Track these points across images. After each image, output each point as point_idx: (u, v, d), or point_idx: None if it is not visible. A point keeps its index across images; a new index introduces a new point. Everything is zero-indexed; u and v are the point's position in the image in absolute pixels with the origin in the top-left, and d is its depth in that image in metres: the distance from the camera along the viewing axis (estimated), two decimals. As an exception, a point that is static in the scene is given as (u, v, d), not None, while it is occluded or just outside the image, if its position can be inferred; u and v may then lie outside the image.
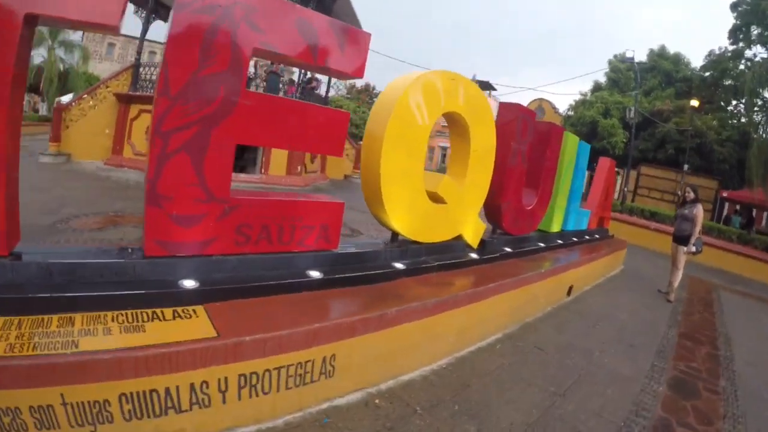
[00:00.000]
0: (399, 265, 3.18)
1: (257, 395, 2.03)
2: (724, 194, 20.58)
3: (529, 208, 4.91)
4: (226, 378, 1.90)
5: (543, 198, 5.18)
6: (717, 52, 22.21)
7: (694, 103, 17.58)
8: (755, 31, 19.41)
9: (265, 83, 14.30)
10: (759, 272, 10.23)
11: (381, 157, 2.97)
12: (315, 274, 2.67)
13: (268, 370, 2.03)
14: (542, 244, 5.25)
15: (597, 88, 29.53)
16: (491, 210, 4.49)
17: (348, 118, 2.88)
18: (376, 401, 2.45)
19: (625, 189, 17.87)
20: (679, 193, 6.29)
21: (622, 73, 28.39)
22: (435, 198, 3.59)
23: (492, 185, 4.19)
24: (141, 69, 12.22)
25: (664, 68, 27.31)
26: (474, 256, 3.97)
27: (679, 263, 6.11)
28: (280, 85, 14.72)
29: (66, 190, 8.00)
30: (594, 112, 24.90)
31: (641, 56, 27.16)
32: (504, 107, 4.45)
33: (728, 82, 21.69)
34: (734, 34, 20.40)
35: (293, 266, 2.68)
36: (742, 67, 20.47)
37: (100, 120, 11.93)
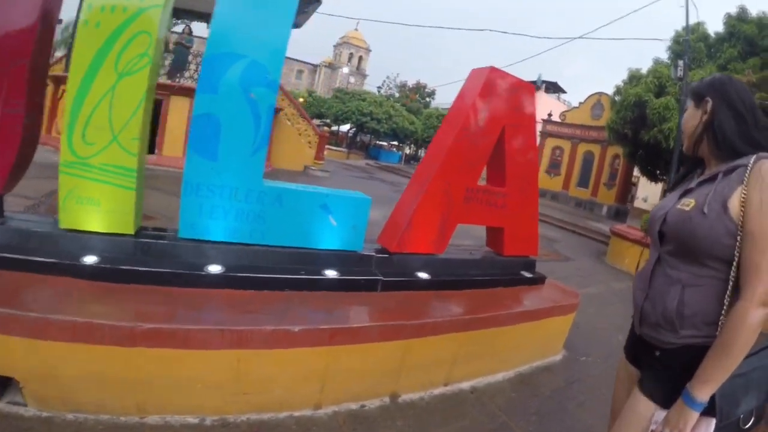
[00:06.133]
0: None
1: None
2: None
3: None
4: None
5: None
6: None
7: (785, 62, 11.76)
8: None
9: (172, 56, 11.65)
10: None
11: None
12: None
13: None
14: None
15: (657, 63, 22.88)
16: None
17: None
18: None
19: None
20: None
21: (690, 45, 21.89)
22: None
23: None
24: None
25: (745, 34, 20.62)
26: None
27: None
28: (190, 58, 12.21)
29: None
30: (641, 89, 18.74)
31: (717, 26, 20.74)
32: None
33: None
34: None
35: None
36: None
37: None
